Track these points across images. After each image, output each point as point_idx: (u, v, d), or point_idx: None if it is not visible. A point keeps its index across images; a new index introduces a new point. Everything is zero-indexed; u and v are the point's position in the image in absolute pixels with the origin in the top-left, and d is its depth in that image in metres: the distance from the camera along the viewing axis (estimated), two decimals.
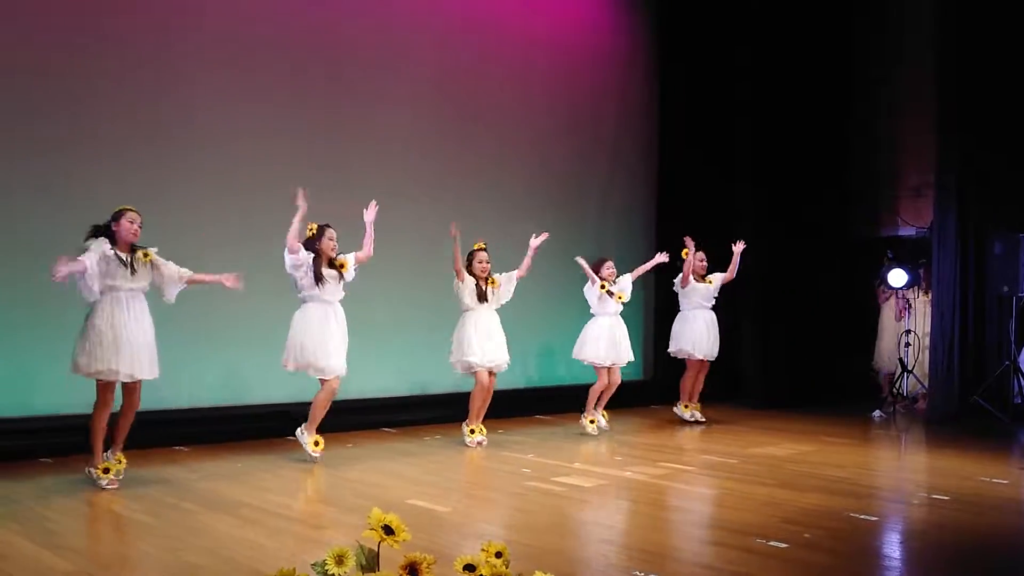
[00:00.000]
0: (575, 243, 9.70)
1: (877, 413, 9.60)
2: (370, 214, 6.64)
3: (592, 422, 8.15)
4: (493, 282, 7.50)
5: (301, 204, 6.30)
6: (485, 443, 7.45)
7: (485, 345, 7.38)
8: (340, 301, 6.62)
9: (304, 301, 6.53)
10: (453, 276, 7.43)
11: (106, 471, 5.62)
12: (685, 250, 8.66)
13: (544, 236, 7.67)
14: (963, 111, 9.29)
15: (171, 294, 5.87)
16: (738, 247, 8.72)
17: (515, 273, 7.60)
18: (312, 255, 6.44)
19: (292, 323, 6.55)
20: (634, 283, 8.55)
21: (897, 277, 10.17)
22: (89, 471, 5.65)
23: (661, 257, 8.55)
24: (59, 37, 6.83)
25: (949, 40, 9.42)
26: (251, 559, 4.10)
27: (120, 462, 5.72)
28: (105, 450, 5.73)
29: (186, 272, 5.88)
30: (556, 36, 9.92)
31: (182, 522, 4.80)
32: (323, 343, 6.44)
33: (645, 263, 8.59)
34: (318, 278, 6.42)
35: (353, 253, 6.61)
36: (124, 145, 7.08)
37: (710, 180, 10.49)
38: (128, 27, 7.14)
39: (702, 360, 8.85)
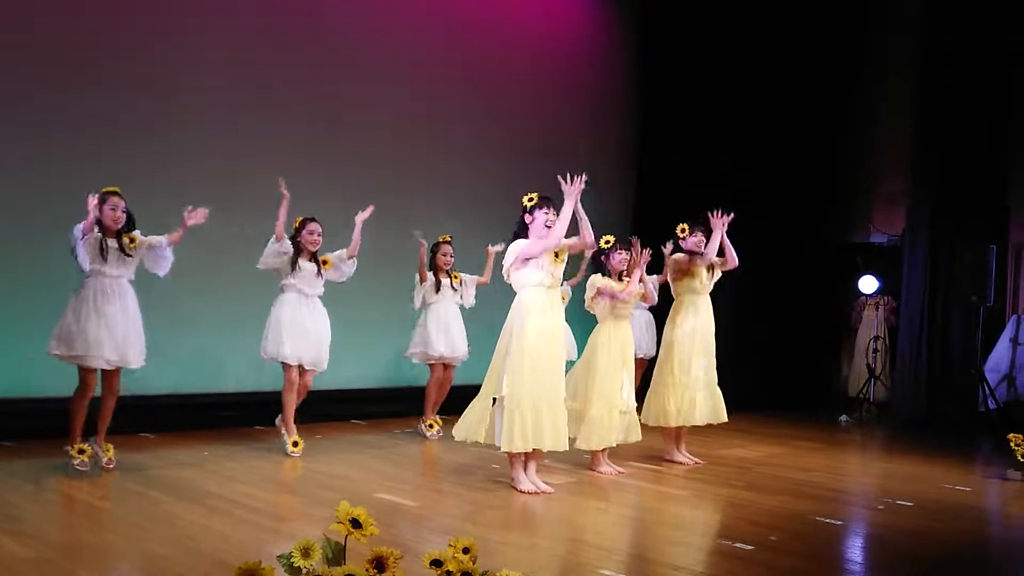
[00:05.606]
0: None
1: (844, 418, 9.69)
2: (362, 216, 6.72)
3: None
4: (456, 276, 7.61)
5: (284, 193, 6.38)
6: (440, 434, 7.57)
7: (442, 337, 7.50)
8: (321, 297, 6.65)
9: (283, 290, 6.55)
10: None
11: (80, 452, 5.56)
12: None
13: (500, 246, 7.63)
14: (941, 122, 9.40)
15: (163, 268, 5.82)
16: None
17: (477, 278, 7.72)
18: (294, 248, 6.50)
19: (270, 312, 6.57)
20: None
21: (868, 284, 10.30)
22: (67, 449, 5.60)
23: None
24: (61, 29, 6.84)
25: (931, 52, 9.54)
26: (216, 550, 4.07)
27: (107, 450, 5.69)
28: (87, 437, 5.67)
29: (163, 238, 5.79)
30: (535, 32, 9.92)
31: (147, 511, 4.75)
32: (288, 330, 6.44)
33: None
34: (293, 265, 6.46)
35: (339, 251, 6.70)
36: (111, 132, 7.08)
37: (689, 182, 10.51)
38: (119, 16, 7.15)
39: (643, 358, 8.91)
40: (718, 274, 6.90)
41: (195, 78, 7.52)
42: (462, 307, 7.75)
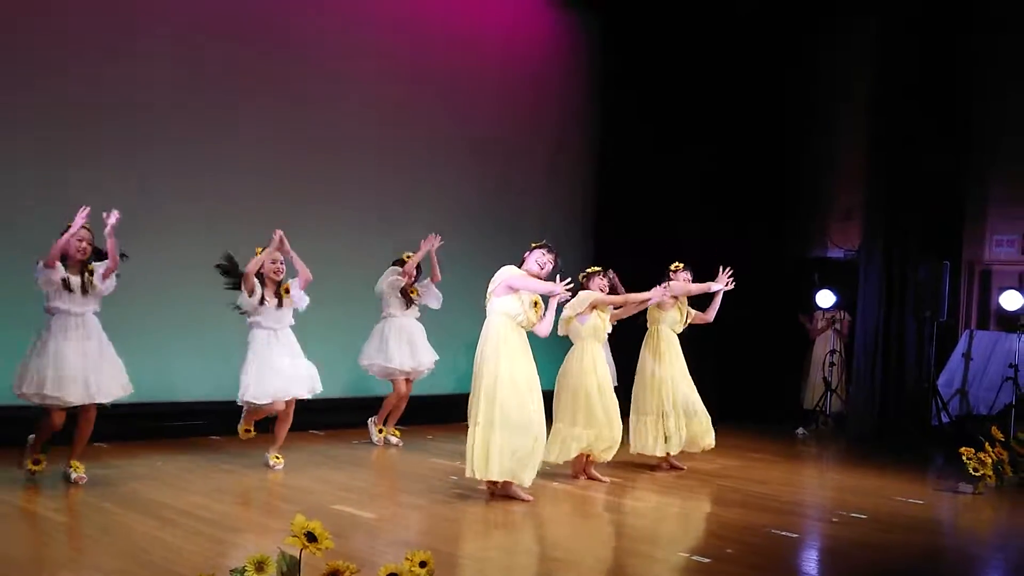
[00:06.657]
0: (513, 253, 9.75)
1: (800, 431, 9.78)
2: (286, 250, 6.46)
3: None
4: (415, 291, 7.57)
5: (278, 242, 6.25)
6: (400, 444, 7.58)
7: (405, 351, 7.45)
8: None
9: (251, 327, 6.39)
10: (380, 278, 7.53)
11: (36, 462, 5.53)
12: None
13: (437, 242, 7.55)
14: (896, 137, 9.53)
15: (106, 289, 5.64)
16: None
17: (429, 280, 7.64)
18: (259, 281, 6.32)
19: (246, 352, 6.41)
20: None
21: (824, 298, 10.46)
22: (24, 461, 5.57)
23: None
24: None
25: (887, 67, 9.67)
26: (168, 562, 4.01)
27: (76, 468, 5.58)
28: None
29: (103, 265, 5.60)
30: (496, 43, 9.93)
31: (99, 522, 4.68)
32: (260, 372, 6.29)
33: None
34: (260, 302, 6.29)
35: (294, 280, 6.50)
36: (78, 139, 7.08)
37: (647, 196, 10.56)
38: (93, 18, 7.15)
39: None
40: (690, 318, 7.35)
41: (167, 93, 7.51)
42: (421, 314, 7.67)
